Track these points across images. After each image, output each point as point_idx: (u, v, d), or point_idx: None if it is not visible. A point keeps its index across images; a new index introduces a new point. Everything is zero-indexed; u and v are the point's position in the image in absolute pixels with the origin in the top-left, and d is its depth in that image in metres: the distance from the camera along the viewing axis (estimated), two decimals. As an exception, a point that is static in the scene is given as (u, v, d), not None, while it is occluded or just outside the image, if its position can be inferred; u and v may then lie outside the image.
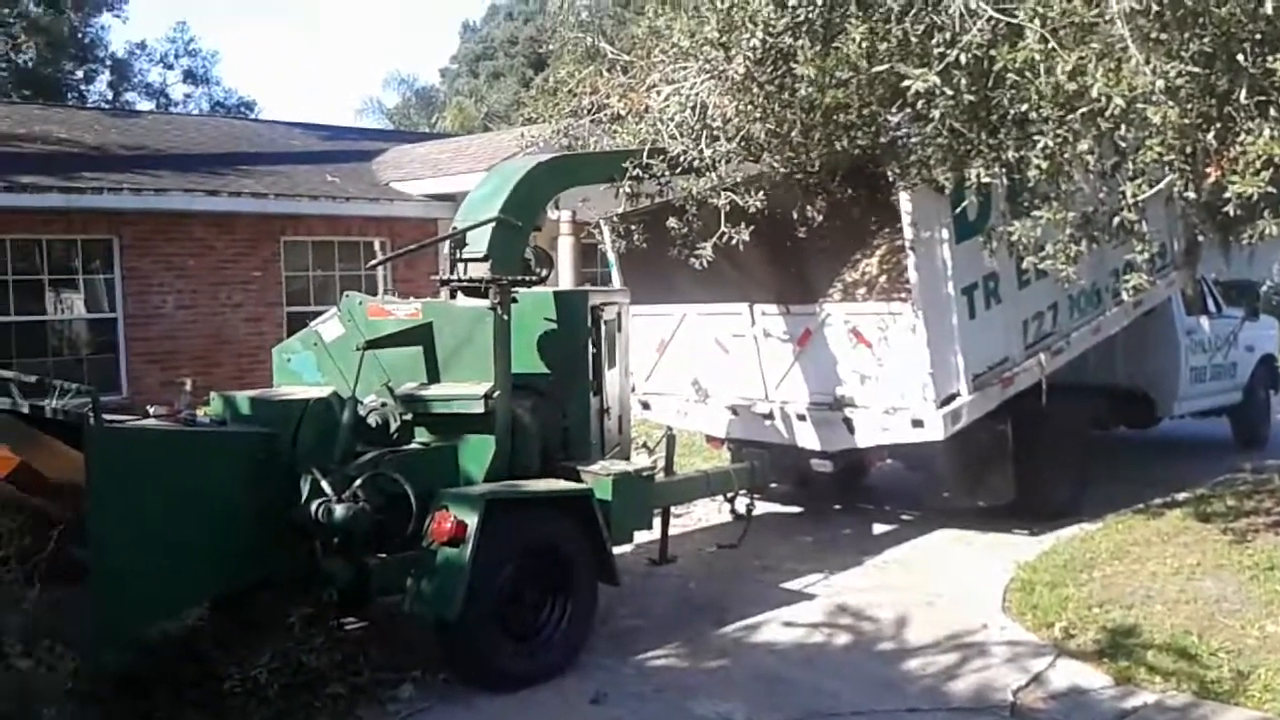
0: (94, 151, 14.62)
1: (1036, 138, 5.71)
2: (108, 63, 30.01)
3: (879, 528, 9.05)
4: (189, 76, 32.49)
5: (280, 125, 20.60)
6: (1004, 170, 6.20)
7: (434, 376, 6.24)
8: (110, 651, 5.01)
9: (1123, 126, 5.51)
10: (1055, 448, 8.77)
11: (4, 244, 12.09)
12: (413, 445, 6.00)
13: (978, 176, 6.14)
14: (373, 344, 6.02)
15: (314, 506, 5.22)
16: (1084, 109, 5.38)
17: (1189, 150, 5.60)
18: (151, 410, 5.82)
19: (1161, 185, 5.84)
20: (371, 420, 5.92)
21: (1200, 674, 5.56)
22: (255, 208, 13.61)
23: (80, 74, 29.44)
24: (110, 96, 30.10)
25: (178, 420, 5.50)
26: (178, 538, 4.80)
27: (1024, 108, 5.70)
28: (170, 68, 32.07)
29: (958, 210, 7.03)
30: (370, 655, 5.44)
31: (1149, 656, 5.79)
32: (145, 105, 30.16)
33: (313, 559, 5.33)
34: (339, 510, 5.16)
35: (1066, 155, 5.77)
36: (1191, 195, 5.95)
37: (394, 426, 5.99)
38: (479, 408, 5.81)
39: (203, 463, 5.09)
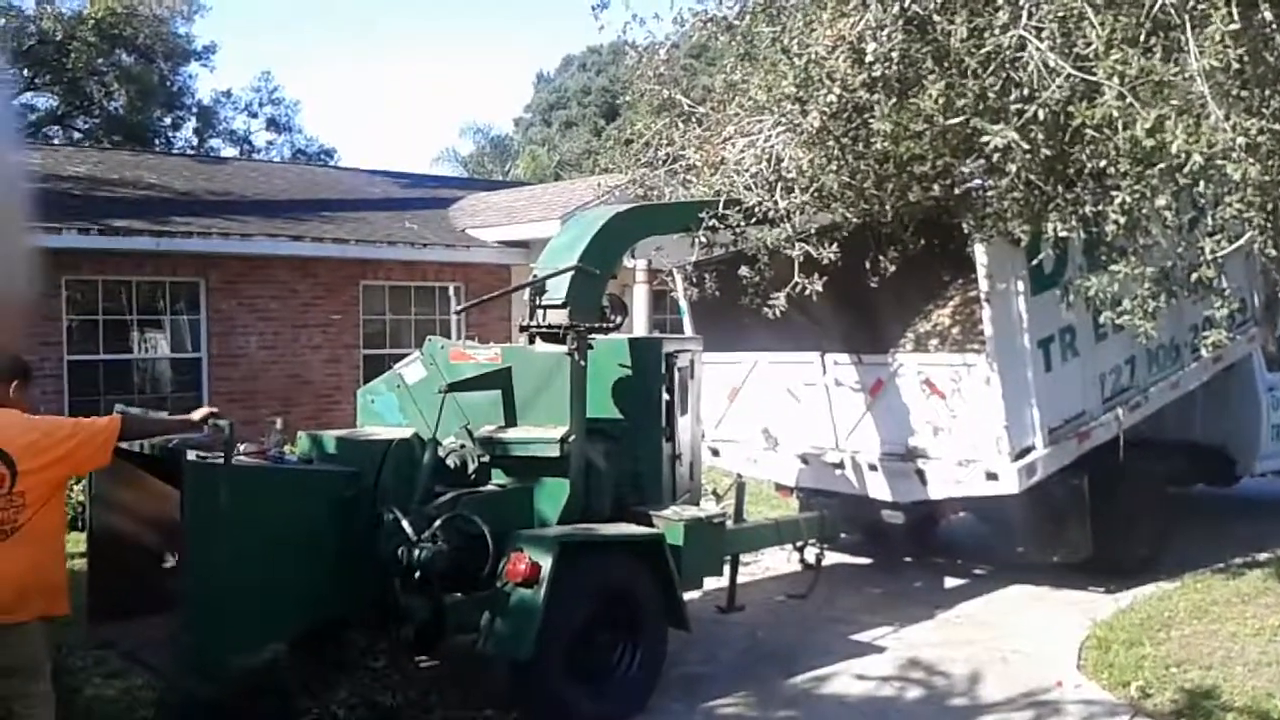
0: (183, 196, 15.15)
1: (1114, 193, 5.72)
2: (194, 110, 31.03)
3: (951, 581, 8.96)
4: (272, 124, 33.48)
5: (361, 173, 21.15)
6: (1081, 224, 6.19)
7: (511, 420, 6.36)
8: (196, 681, 5.17)
9: (1201, 183, 5.50)
10: (1133, 504, 8.61)
11: (96, 285, 12.56)
12: (490, 486, 6.12)
13: (1054, 230, 6.15)
14: (454, 387, 6.18)
15: (394, 545, 5.35)
16: (1162, 165, 5.38)
17: (1269, 207, 5.57)
18: (241, 448, 5.99)
19: (1241, 241, 5.82)
20: (451, 461, 6.05)
21: (1284, 739, 5.44)
22: (336, 253, 13.97)
23: (168, 121, 30.50)
24: (195, 143, 31.10)
25: (266, 458, 5.66)
26: (266, 572, 4.96)
27: (1102, 163, 5.72)
28: (254, 116, 33.10)
29: (1034, 263, 7.04)
30: (443, 694, 5.51)
31: (1228, 719, 5.67)
32: (229, 152, 31.13)
33: (391, 597, 5.44)
34: (418, 550, 5.28)
35: (1144, 210, 5.77)
36: (1272, 252, 5.91)
37: (472, 468, 6.10)
38: (555, 451, 5.92)
39: (291, 500, 5.25)
